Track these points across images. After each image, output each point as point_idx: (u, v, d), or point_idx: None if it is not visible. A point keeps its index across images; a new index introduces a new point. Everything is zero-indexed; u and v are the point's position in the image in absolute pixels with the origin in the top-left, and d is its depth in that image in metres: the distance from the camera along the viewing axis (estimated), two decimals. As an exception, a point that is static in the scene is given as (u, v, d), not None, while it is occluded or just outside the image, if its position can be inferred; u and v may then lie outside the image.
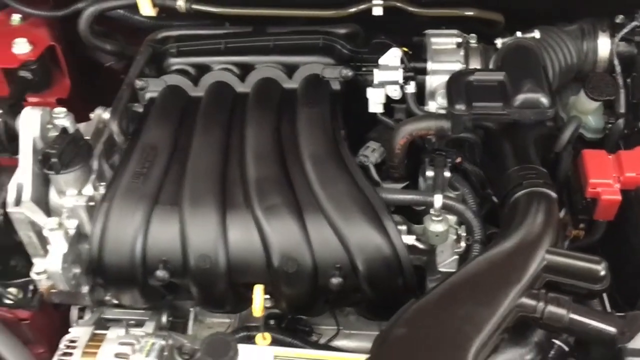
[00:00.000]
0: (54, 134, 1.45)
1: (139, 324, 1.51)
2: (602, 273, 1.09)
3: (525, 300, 1.06)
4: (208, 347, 1.15)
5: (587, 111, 1.55)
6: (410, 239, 1.31)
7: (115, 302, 1.48)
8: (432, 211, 1.32)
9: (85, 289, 1.44)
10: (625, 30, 1.53)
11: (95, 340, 1.41)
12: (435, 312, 1.06)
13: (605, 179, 1.32)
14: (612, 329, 1.04)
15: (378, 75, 1.41)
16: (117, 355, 1.36)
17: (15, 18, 1.71)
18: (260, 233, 1.26)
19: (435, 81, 1.47)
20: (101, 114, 1.52)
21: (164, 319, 1.53)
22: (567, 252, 1.13)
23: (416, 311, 1.06)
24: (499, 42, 1.47)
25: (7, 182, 1.48)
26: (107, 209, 1.30)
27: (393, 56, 1.42)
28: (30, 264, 1.45)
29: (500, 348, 1.08)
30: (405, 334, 1.04)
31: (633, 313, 1.07)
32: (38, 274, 1.40)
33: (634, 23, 1.53)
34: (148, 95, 1.54)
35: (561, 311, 1.05)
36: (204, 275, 1.27)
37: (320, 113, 1.41)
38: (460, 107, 1.29)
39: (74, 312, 1.57)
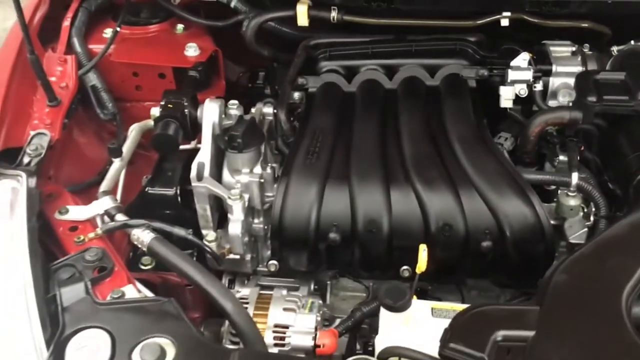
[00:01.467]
0: (226, 122, 1.71)
1: (290, 290, 1.72)
2: None
3: (665, 256, 1.25)
4: (387, 292, 1.34)
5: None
6: (542, 215, 1.51)
7: (272, 270, 1.69)
8: (560, 190, 1.52)
9: (248, 256, 1.66)
10: None
11: (263, 298, 1.61)
12: (589, 262, 1.25)
13: None
14: None
15: (511, 75, 1.65)
16: (285, 309, 1.57)
17: (179, 27, 1.98)
18: (419, 202, 1.45)
19: (557, 82, 1.69)
20: (262, 107, 1.77)
21: (312, 286, 1.74)
22: (698, 219, 1.32)
23: (573, 262, 1.25)
24: (614, 49, 1.70)
25: (178, 166, 1.74)
26: (287, 182, 1.50)
27: (522, 59, 1.66)
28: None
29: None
30: (566, 279, 1.23)
31: None
32: (210, 242, 1.63)
33: None
34: (296, 95, 1.79)
35: (696, 266, 1.24)
36: (370, 237, 1.47)
37: (464, 104, 1.64)
38: (592, 99, 1.50)
39: (224, 282, 1.79)
